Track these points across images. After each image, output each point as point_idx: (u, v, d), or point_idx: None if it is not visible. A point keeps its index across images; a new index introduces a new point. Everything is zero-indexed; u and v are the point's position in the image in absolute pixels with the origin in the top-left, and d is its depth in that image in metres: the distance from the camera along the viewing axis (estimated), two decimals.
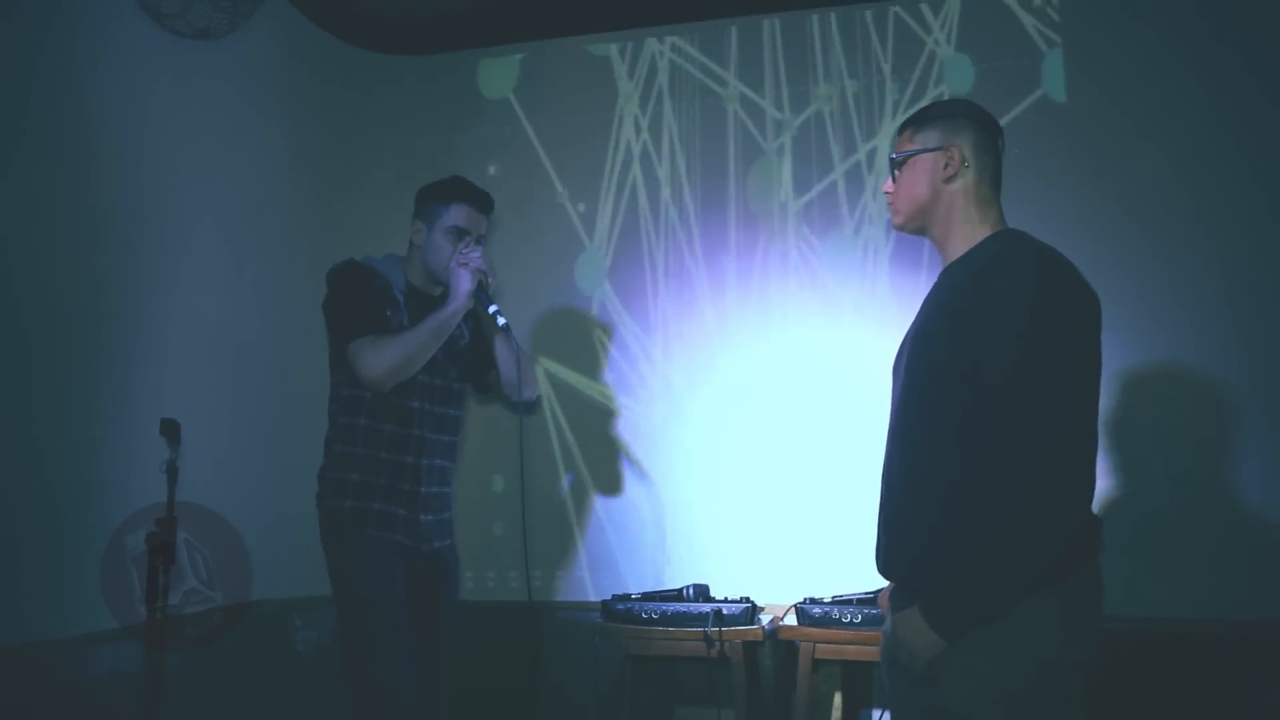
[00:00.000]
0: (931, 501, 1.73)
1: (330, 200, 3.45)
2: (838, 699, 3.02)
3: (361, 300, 2.49)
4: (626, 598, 2.89)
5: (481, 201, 2.63)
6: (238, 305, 2.99)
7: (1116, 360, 2.74)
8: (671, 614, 2.79)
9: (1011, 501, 1.60)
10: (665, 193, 3.40)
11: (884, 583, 1.98)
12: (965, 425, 1.68)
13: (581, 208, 3.47)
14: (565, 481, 3.33)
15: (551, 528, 3.32)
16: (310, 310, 3.22)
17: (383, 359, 2.39)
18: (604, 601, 2.91)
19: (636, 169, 3.44)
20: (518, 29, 3.58)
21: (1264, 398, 2.79)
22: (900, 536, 1.81)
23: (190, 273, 2.82)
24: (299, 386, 3.20)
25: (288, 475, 3.16)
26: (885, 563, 1.86)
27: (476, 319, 2.71)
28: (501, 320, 2.52)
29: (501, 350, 2.63)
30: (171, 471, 2.30)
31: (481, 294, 2.51)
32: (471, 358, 2.69)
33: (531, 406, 2.62)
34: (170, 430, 2.32)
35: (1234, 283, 2.85)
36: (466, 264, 2.48)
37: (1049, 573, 1.63)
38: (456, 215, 2.58)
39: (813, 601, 2.79)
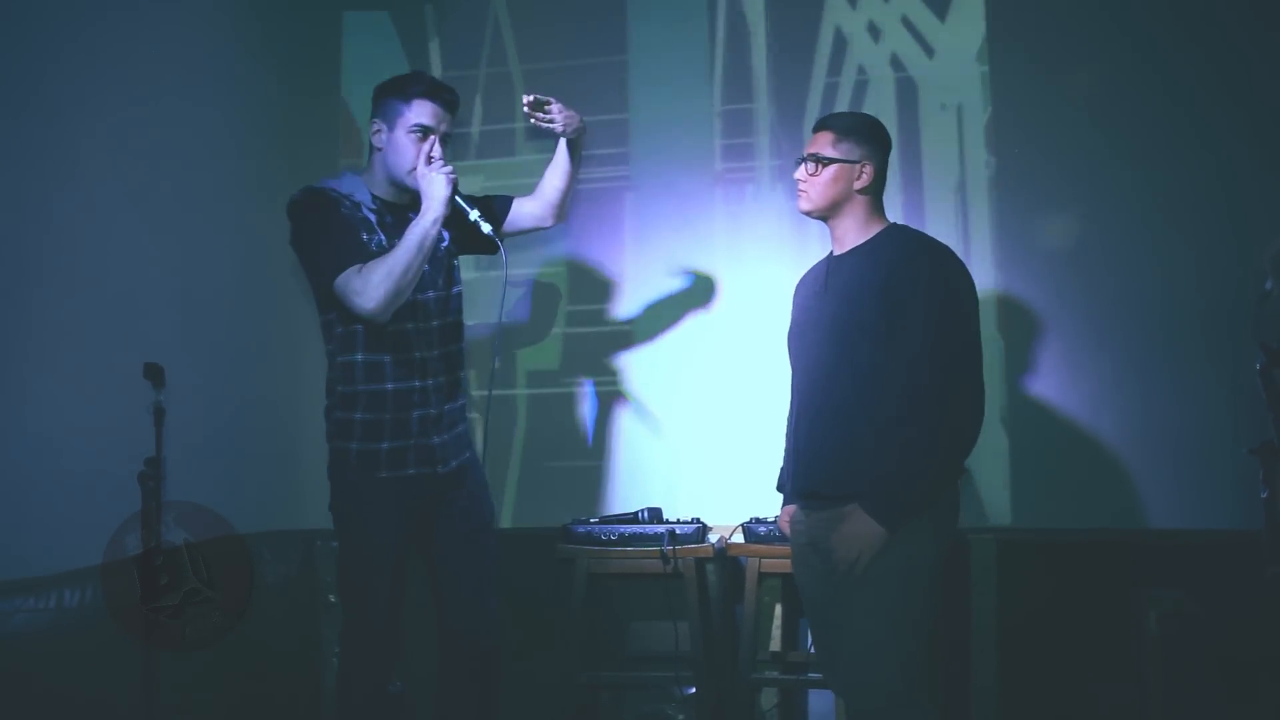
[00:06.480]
0: (861, 428, 2.19)
1: (292, 139, 3.46)
2: (778, 609, 3.28)
3: (335, 229, 2.30)
4: (586, 521, 3.09)
5: (446, 96, 2.43)
6: (201, 248, 3.02)
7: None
8: (629, 535, 3.00)
9: (934, 424, 2.11)
10: None
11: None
12: (890, 370, 2.15)
13: None
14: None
15: (502, 457, 3.45)
16: (275, 248, 3.24)
17: (376, 289, 2.21)
18: (564, 526, 3.09)
19: None
20: None
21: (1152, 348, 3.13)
22: (826, 456, 2.22)
23: (152, 218, 2.83)
24: (270, 325, 3.26)
25: (263, 414, 3.26)
26: (806, 481, 2.26)
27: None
28: (486, 228, 2.38)
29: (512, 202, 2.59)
30: (158, 413, 2.39)
31: (459, 199, 2.36)
32: (468, 243, 2.52)
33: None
34: (154, 374, 2.39)
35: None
36: (437, 167, 2.31)
37: (956, 474, 2.23)
38: (420, 112, 2.37)
39: (758, 521, 3.03)
